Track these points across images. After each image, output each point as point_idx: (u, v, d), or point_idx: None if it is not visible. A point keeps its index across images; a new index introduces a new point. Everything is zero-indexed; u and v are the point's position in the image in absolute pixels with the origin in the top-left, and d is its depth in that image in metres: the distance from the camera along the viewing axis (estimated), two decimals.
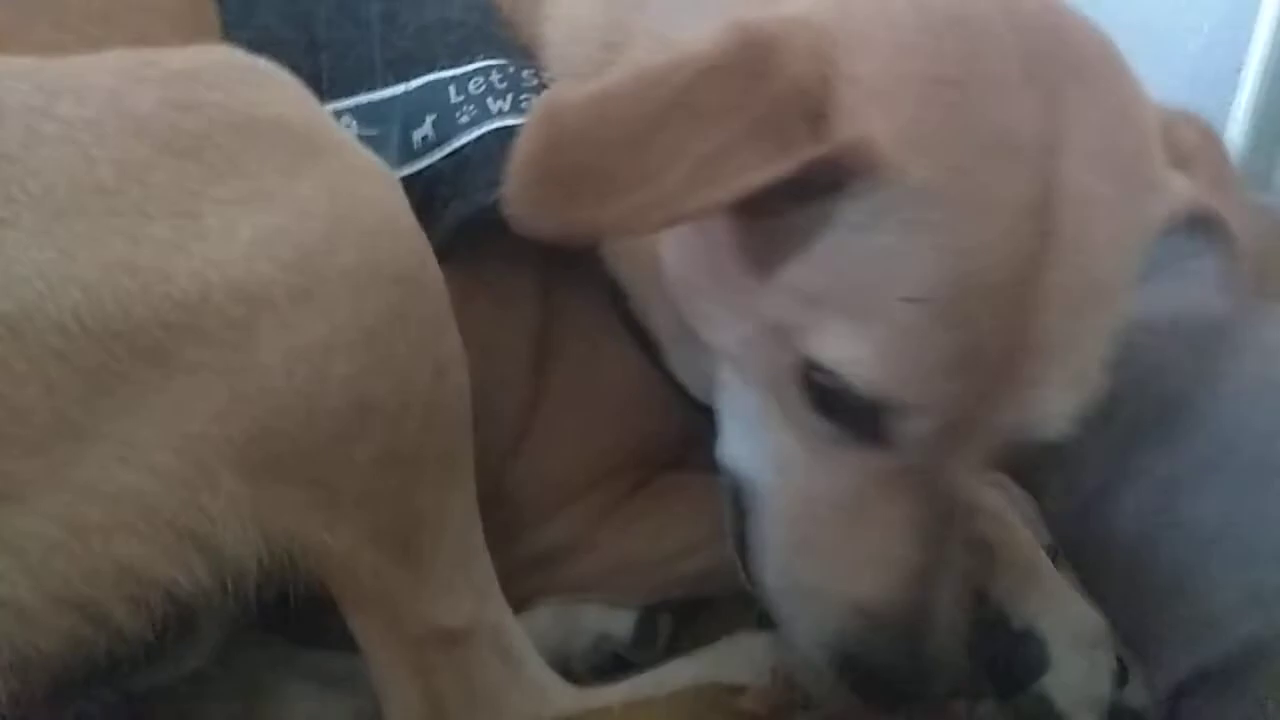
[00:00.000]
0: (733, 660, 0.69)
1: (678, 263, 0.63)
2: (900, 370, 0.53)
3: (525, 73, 0.71)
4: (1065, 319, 0.54)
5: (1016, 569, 0.71)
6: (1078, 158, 0.54)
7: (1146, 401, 0.62)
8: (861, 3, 0.57)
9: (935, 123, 0.53)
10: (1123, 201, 0.55)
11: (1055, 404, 0.56)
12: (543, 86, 0.71)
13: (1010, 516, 0.73)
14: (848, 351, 0.54)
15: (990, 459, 0.60)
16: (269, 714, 0.63)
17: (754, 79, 0.52)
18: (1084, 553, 0.77)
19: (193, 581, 0.50)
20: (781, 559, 0.62)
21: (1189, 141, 0.62)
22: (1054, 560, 0.74)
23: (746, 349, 0.60)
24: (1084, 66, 0.56)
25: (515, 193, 0.52)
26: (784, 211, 0.54)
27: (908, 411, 0.54)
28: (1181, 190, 0.59)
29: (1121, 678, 0.69)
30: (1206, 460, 0.73)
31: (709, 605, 0.77)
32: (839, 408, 0.56)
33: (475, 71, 0.70)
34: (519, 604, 0.66)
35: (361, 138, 0.64)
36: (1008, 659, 0.69)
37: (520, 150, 0.52)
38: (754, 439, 0.63)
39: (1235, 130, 1.23)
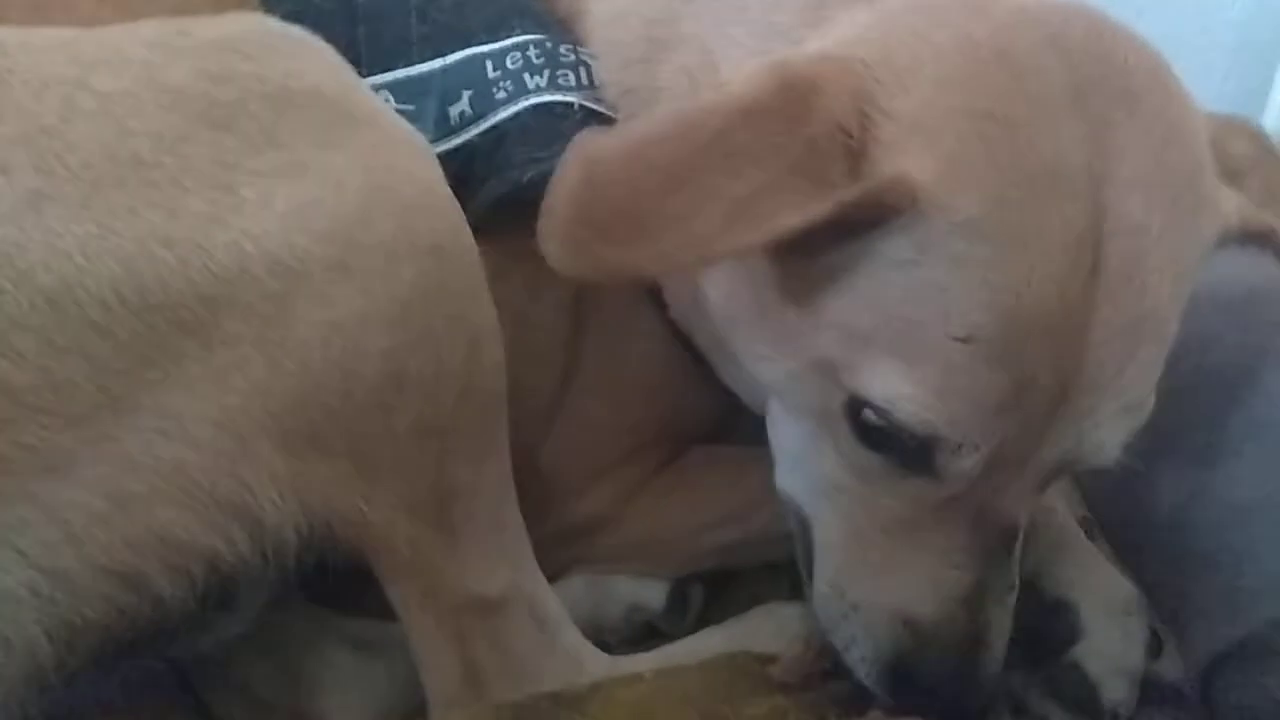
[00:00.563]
0: (764, 629, 0.69)
1: (721, 299, 0.63)
2: (950, 409, 0.53)
3: (563, 48, 0.71)
4: (1116, 352, 0.53)
5: (1048, 539, 0.70)
6: (1126, 188, 0.53)
7: (1185, 373, 0.62)
8: (904, 36, 0.56)
9: (978, 157, 0.52)
10: (1172, 229, 0.54)
11: (1107, 435, 0.56)
12: (580, 62, 0.71)
13: None
14: (897, 390, 0.54)
15: (1041, 486, 0.60)
16: (308, 679, 0.64)
17: (791, 121, 0.51)
18: (1119, 525, 0.77)
19: (233, 551, 0.50)
20: (833, 578, 0.62)
21: (1240, 152, 0.61)
22: (1088, 532, 0.74)
23: (793, 384, 0.60)
24: (1133, 92, 0.55)
25: (551, 233, 0.52)
26: (827, 249, 0.54)
27: (958, 448, 0.54)
28: (1232, 209, 0.59)
29: (1155, 649, 0.69)
30: (1245, 434, 0.72)
31: (739, 576, 0.77)
32: (888, 443, 0.56)
33: (512, 47, 0.69)
34: (551, 576, 0.66)
35: (398, 113, 0.63)
36: (1040, 628, 0.69)
37: (556, 192, 0.52)
38: (804, 469, 0.63)
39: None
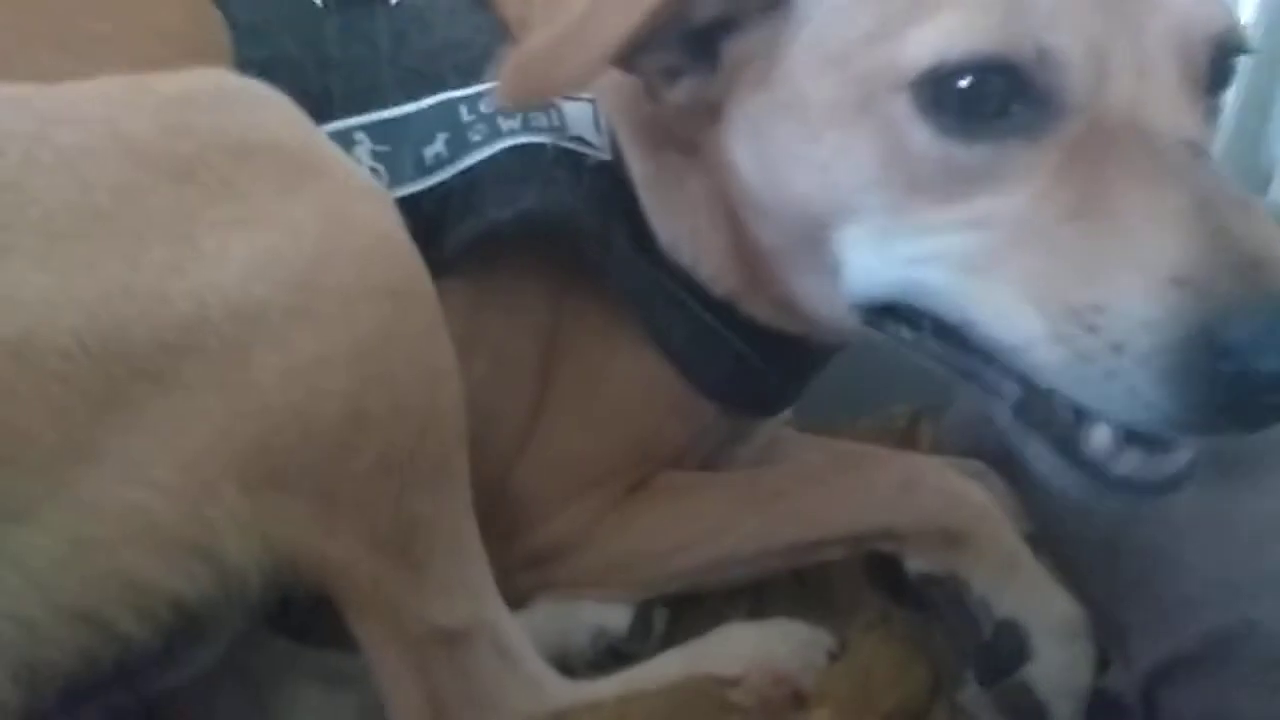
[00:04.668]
0: (723, 652, 0.71)
1: (750, 148, 0.66)
2: (1024, 10, 0.51)
3: None
4: None
5: (999, 560, 0.72)
6: None
7: None
8: None
9: None
10: None
11: None
12: (551, 104, 0.72)
13: (992, 509, 0.75)
14: (947, 26, 0.51)
15: (1188, 83, 0.53)
16: (277, 712, 0.64)
17: None
18: (1062, 538, 0.79)
19: (197, 591, 0.51)
20: (1043, 296, 0.51)
21: None
22: (1032, 547, 0.76)
23: (851, 145, 0.58)
24: None
25: (501, 90, 0.63)
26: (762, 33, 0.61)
27: (1061, 56, 0.51)
28: None
29: (1101, 664, 0.71)
30: None
31: (700, 598, 0.79)
32: (979, 106, 0.52)
33: (486, 91, 0.71)
34: (517, 600, 0.68)
35: (374, 154, 0.65)
36: (990, 646, 0.71)
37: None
38: (901, 245, 0.58)
39: None
